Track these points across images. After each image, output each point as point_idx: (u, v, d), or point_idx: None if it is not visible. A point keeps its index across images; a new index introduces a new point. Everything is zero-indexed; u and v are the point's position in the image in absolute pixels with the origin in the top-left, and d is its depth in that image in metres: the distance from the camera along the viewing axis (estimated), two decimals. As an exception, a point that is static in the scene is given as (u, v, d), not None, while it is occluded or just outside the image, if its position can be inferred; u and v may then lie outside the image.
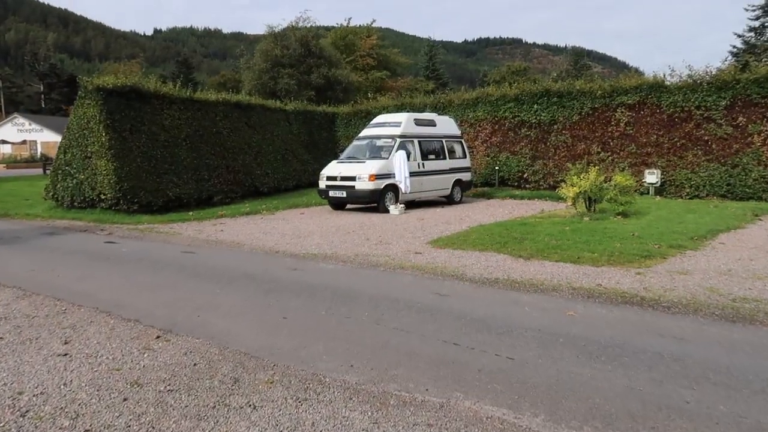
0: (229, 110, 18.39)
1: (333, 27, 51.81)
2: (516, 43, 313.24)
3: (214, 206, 16.27)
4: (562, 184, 12.33)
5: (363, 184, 13.86)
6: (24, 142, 58.30)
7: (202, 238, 10.47)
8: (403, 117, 15.43)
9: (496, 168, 19.53)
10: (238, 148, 18.35)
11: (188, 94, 16.91)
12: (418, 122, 15.61)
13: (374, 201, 14.11)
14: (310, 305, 5.69)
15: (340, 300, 5.86)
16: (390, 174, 14.21)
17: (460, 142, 17.11)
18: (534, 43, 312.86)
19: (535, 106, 18.99)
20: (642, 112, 17.12)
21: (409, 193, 14.55)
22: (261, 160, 19.35)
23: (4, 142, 56.27)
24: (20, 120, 60.58)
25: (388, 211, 14.06)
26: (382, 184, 14.01)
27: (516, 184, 19.45)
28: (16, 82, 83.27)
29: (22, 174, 34.67)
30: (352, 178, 14.01)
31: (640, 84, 17.24)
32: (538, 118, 18.93)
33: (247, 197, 18.25)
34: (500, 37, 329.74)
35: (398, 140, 14.63)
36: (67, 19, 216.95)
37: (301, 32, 38.35)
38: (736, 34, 46.13)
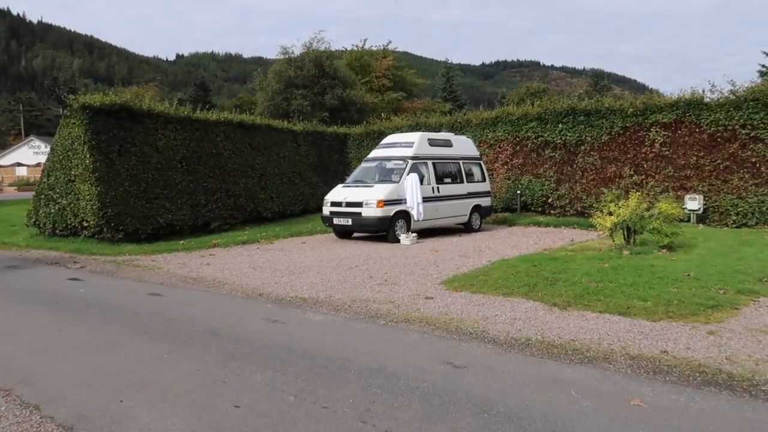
0: (231, 130, 17.21)
1: (349, 50, 51.02)
2: (534, 65, 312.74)
3: (211, 233, 14.99)
4: (597, 213, 10.78)
5: (370, 211, 12.45)
6: (39, 164, 58.23)
7: (181, 274, 9.10)
8: (415, 137, 14.06)
9: (518, 192, 18.03)
10: (240, 170, 17.12)
11: (185, 113, 15.76)
12: (433, 142, 14.23)
13: (383, 229, 12.68)
14: (277, 383, 4.23)
15: (320, 375, 4.40)
16: (401, 199, 12.80)
17: (479, 164, 15.68)
18: (552, 66, 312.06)
19: (560, 126, 17.51)
20: (679, 132, 15.54)
21: (422, 220, 13.11)
22: (265, 183, 18.09)
23: (19, 164, 56.22)
24: (36, 143, 60.68)
25: (398, 241, 12.62)
26: (391, 210, 12.59)
27: (540, 209, 17.91)
28: (36, 106, 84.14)
29: (30, 197, 33.86)
30: (359, 204, 12.61)
31: (676, 101, 15.69)
32: (563, 138, 17.44)
33: (248, 223, 16.95)
34: (518, 60, 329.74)
35: (410, 162, 13.24)
36: (92, 46, 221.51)
37: (315, 53, 37.57)
38: (764, 52, 44.27)
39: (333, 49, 42.11)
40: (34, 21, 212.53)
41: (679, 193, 15.31)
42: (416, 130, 18.79)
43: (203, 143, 15.96)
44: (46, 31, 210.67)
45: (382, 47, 50.95)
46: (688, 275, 7.81)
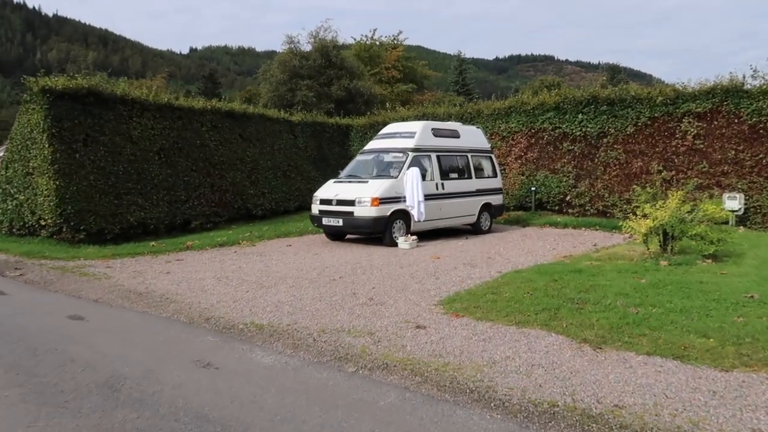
0: (218, 120, 15.70)
1: (358, 40, 49.30)
2: (548, 59, 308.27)
3: (192, 233, 13.55)
4: (630, 215, 9.13)
5: (364, 210, 10.87)
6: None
7: (128, 286, 7.60)
8: (418, 126, 12.45)
9: (533, 189, 16.36)
10: (227, 163, 15.63)
11: (167, 99, 14.27)
12: (437, 132, 12.61)
13: (378, 231, 11.11)
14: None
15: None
16: (399, 197, 11.22)
17: (490, 157, 14.04)
18: (566, 60, 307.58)
19: (580, 116, 15.81)
20: (715, 123, 13.79)
21: (424, 221, 11.52)
22: (256, 177, 16.59)
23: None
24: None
25: (396, 245, 11.06)
26: (388, 210, 11.02)
27: (556, 208, 16.24)
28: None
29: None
30: (351, 203, 11.04)
31: (712, 88, 13.92)
32: (583, 130, 15.74)
33: (235, 221, 15.47)
34: (532, 54, 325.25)
35: (411, 155, 11.65)
36: (107, 39, 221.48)
37: (322, 43, 36.06)
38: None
39: (341, 40, 40.55)
40: (50, 14, 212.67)
41: (714, 191, 13.60)
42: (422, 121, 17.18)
43: (186, 133, 14.48)
44: (61, 24, 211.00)
45: (392, 38, 49.29)
46: (751, 297, 6.17)
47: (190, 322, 5.77)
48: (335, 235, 12.15)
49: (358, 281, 7.73)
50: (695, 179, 13.18)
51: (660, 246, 8.87)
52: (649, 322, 5.34)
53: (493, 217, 13.94)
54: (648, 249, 8.80)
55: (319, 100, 34.37)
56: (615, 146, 15.19)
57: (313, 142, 19.84)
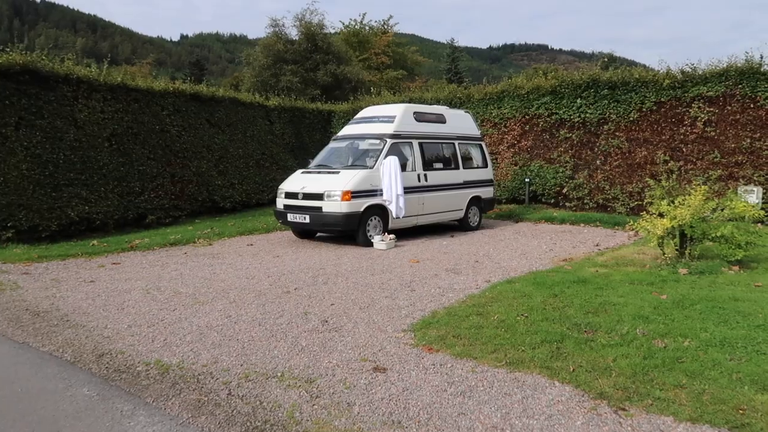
0: (182, 103, 14.17)
1: (347, 24, 47.54)
2: (542, 48, 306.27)
3: (147, 228, 12.14)
4: (643, 214, 7.76)
5: (333, 206, 9.45)
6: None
7: (29, 302, 6.16)
8: (398, 109, 11.01)
9: (527, 180, 15.00)
10: (191, 151, 14.15)
11: (120, 80, 12.73)
12: (420, 117, 11.18)
13: (350, 229, 9.70)
14: None
15: None
16: (375, 190, 9.81)
17: (480, 145, 12.65)
18: (560, 50, 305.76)
19: (579, 101, 14.43)
20: (728, 108, 12.45)
21: (404, 217, 10.13)
22: (225, 167, 15.12)
23: None
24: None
25: (371, 244, 9.68)
26: (362, 205, 9.61)
27: (552, 201, 14.90)
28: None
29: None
30: (319, 197, 9.61)
31: (725, 70, 12.55)
32: (582, 116, 14.36)
33: (200, 215, 14.05)
34: (525, 43, 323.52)
35: (389, 141, 10.22)
36: (96, 25, 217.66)
37: (308, 26, 34.46)
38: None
39: (330, 25, 38.86)
40: (37, 0, 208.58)
41: (727, 183, 12.29)
42: (407, 106, 15.73)
43: (143, 117, 12.96)
44: (49, 10, 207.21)
45: (382, 23, 47.64)
46: (804, 322, 4.84)
47: (74, 360, 4.35)
48: (304, 233, 10.75)
49: (315, 294, 6.34)
50: (719, 171, 11.85)
51: (676, 249, 7.54)
52: (684, 363, 3.99)
53: (483, 212, 12.57)
54: (663, 253, 7.44)
55: (304, 86, 32.93)
56: (617, 134, 13.84)
57: (292, 128, 18.38)
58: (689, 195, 7.19)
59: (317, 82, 33.26)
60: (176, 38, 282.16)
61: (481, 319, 5.15)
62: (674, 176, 11.51)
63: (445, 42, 65.47)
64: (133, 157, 12.54)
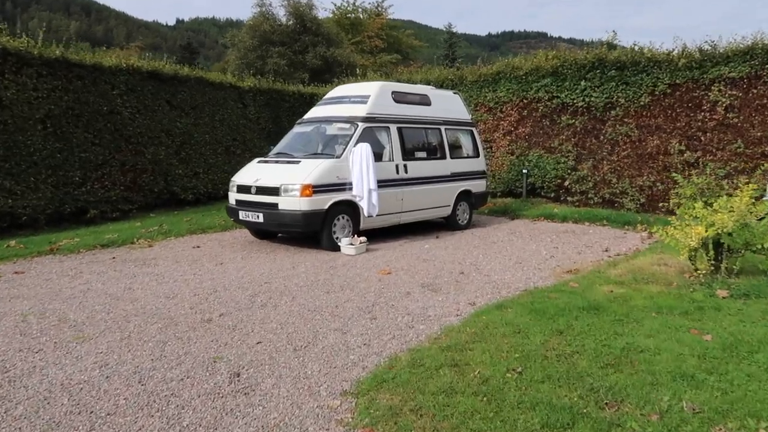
0: (137, 82, 12.52)
1: (339, 5, 45.61)
2: (541, 36, 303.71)
3: (89, 224, 10.60)
4: (673, 219, 6.17)
5: (291, 202, 7.85)
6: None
7: None
8: (372, 88, 9.37)
9: (524, 172, 13.44)
10: (147, 136, 12.53)
11: (59, 53, 11.07)
12: (400, 97, 9.55)
13: (312, 231, 8.12)
14: None
15: None
16: (343, 184, 8.22)
17: (471, 131, 11.06)
18: (559, 38, 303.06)
19: (583, 83, 12.85)
20: (754, 91, 10.88)
21: (378, 215, 8.55)
22: (187, 154, 13.53)
23: None
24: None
25: (338, 248, 8.12)
26: (326, 201, 8.02)
27: (552, 195, 13.37)
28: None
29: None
30: (275, 191, 8.00)
31: (750, 47, 10.97)
32: (586, 100, 12.78)
33: (156, 208, 12.47)
34: (524, 31, 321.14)
35: (361, 126, 8.61)
36: (90, 8, 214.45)
37: (296, 5, 32.78)
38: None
39: (320, 6, 37.20)
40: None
41: (752, 176, 10.74)
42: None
43: (87, 97, 11.32)
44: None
45: (376, 4, 45.77)
46: None
47: None
48: (263, 232, 9.17)
49: (243, 325, 4.79)
50: (742, 163, 10.30)
51: (710, 263, 5.98)
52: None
53: (474, 208, 11.01)
54: (696, 269, 5.88)
55: (292, 69, 31.33)
56: (625, 120, 12.27)
57: (269, 112, 16.77)
58: (724, 195, 5.64)
59: (306, 65, 31.68)
60: (172, 23, 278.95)
61: (456, 377, 3.60)
62: (708, 171, 9.93)
63: (443, 29, 63.62)
64: (74, 142, 10.93)
